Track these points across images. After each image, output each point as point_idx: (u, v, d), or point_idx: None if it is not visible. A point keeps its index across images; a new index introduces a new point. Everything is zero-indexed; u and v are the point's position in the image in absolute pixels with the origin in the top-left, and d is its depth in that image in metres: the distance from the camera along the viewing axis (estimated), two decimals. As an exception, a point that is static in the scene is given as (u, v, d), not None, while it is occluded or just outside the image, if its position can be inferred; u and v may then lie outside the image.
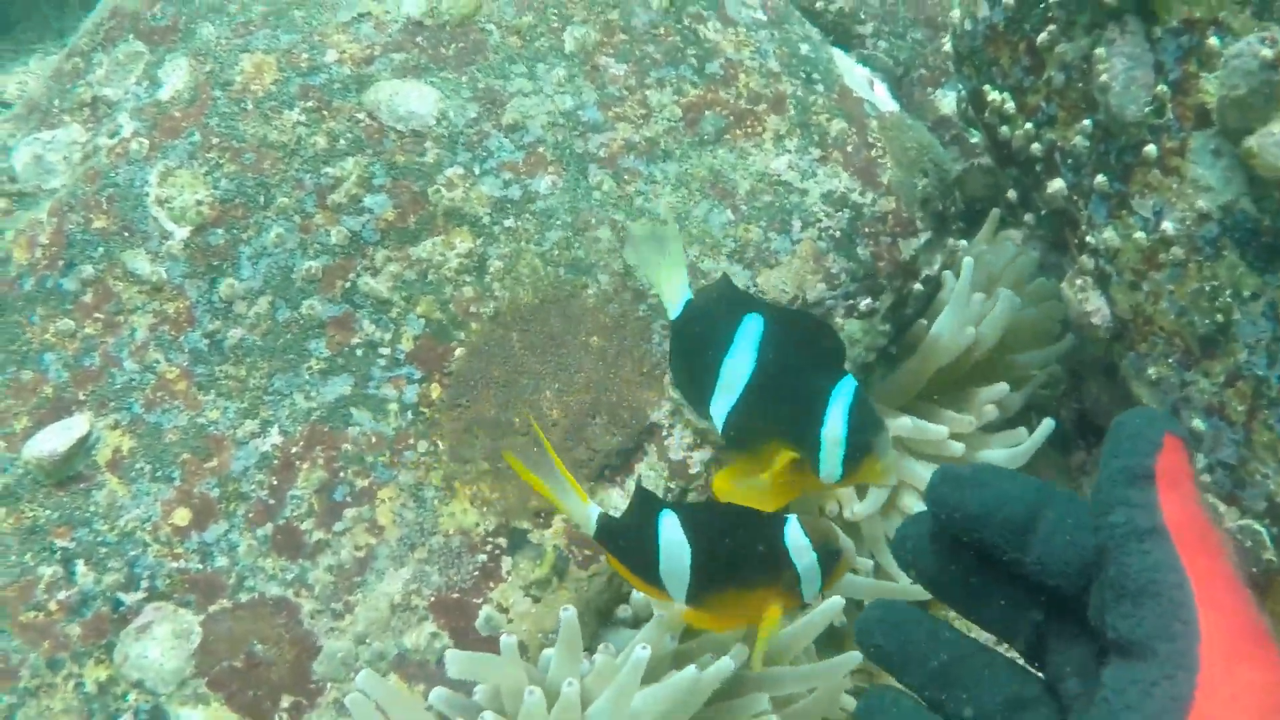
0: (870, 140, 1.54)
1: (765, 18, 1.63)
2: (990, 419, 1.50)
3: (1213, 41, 1.12)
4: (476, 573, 1.29)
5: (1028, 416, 1.55)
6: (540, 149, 1.44)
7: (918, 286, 1.54)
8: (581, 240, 1.41)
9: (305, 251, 1.37)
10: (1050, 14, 1.29)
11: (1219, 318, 1.16)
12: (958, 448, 1.43)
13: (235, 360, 1.35)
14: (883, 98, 1.71)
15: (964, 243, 1.63)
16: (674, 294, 1.02)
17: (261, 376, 1.34)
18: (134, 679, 1.24)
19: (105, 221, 1.39)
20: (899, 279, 1.51)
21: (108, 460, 1.31)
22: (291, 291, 1.37)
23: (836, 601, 1.16)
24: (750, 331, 0.98)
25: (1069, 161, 1.32)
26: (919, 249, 1.52)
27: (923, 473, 1.44)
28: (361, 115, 1.42)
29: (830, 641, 1.31)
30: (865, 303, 1.46)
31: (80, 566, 1.27)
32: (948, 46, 1.73)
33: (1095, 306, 1.31)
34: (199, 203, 1.38)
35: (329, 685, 1.24)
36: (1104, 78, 1.21)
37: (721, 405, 1.00)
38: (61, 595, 1.26)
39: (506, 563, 1.29)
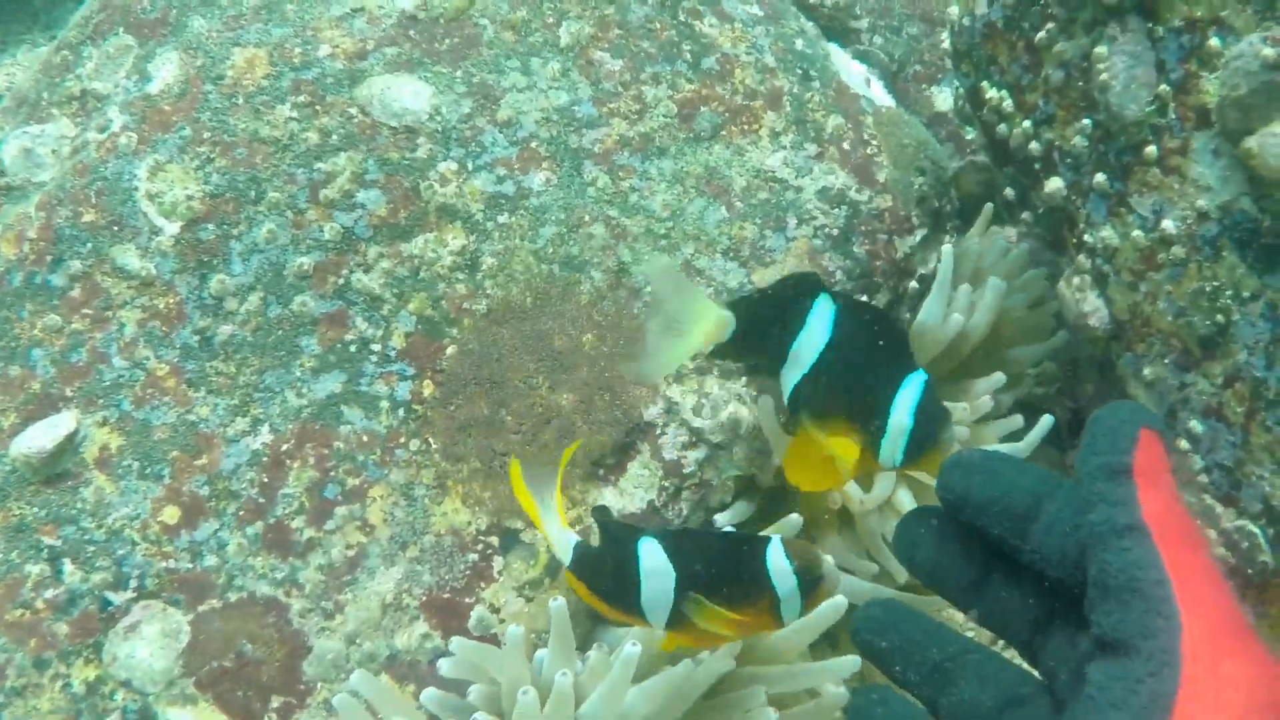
0: (866, 137, 1.53)
1: (761, 13, 1.61)
2: (986, 410, 1.49)
3: (1214, 42, 1.11)
4: (468, 572, 1.28)
5: (1022, 416, 1.54)
6: (534, 145, 1.43)
7: (913, 285, 1.53)
8: (575, 237, 1.40)
9: (297, 247, 1.36)
10: (1049, 12, 1.29)
11: (1218, 318, 1.16)
12: (962, 432, 1.43)
13: (226, 357, 1.33)
14: (879, 94, 1.70)
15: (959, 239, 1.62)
16: (720, 311, 1.05)
17: (252, 373, 1.33)
18: (122, 678, 1.22)
19: (94, 216, 1.37)
20: (895, 277, 1.50)
21: (96, 457, 1.30)
22: (283, 288, 1.35)
23: (839, 602, 1.15)
24: (823, 311, 1.04)
25: (1067, 160, 1.31)
26: (915, 247, 1.52)
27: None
28: (354, 110, 1.40)
29: (830, 642, 1.30)
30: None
31: (68, 565, 1.26)
32: (946, 43, 1.72)
33: (1093, 306, 1.30)
34: (189, 198, 1.37)
35: (319, 685, 1.23)
36: (1104, 76, 1.21)
37: (790, 376, 1.05)
38: (49, 594, 1.25)
39: (498, 562, 1.28)
